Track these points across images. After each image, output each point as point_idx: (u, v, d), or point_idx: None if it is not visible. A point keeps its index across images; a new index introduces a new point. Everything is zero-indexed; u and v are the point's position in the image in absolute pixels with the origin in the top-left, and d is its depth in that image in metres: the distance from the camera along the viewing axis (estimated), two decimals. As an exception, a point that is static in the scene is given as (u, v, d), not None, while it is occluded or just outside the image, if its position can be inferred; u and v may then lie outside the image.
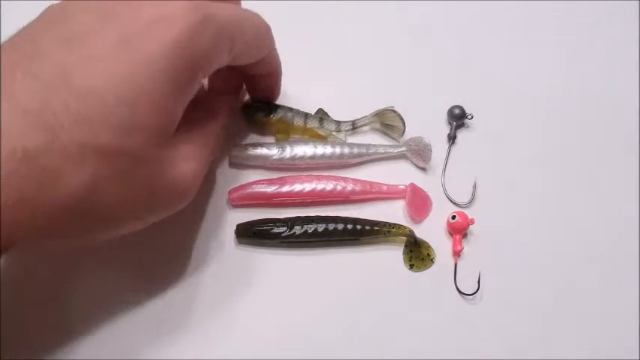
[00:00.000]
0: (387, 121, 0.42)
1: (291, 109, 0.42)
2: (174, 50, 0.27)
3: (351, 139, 0.42)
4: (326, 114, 0.42)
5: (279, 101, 0.42)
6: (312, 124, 0.42)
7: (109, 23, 0.26)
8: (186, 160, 0.30)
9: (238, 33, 0.30)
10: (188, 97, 0.29)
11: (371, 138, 0.43)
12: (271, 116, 0.41)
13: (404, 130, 0.42)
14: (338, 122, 0.42)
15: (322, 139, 0.42)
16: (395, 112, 0.42)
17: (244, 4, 0.35)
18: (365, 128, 0.43)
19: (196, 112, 0.32)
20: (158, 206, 0.30)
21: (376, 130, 0.43)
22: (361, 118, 0.42)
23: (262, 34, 0.34)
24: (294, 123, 0.41)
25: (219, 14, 0.29)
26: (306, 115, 0.42)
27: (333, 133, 0.42)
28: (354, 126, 0.42)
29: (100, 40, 0.26)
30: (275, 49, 0.37)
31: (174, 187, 0.30)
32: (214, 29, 0.28)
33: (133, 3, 0.27)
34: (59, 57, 0.25)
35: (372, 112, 0.42)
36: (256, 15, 0.34)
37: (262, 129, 0.42)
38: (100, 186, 0.26)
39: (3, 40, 0.27)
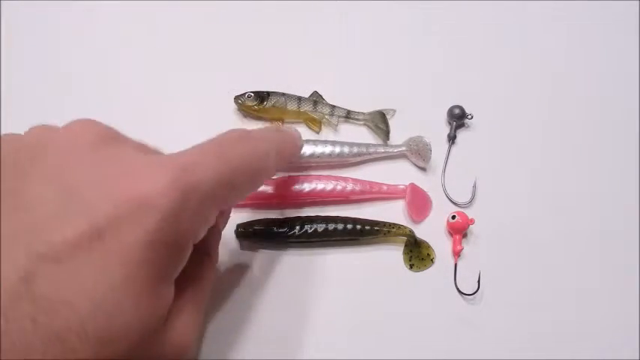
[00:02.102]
0: (377, 123, 0.42)
1: (283, 94, 0.42)
2: (153, 240, 0.23)
3: (343, 132, 0.43)
4: (320, 97, 0.43)
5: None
6: (306, 107, 0.42)
7: (74, 211, 0.22)
8: (183, 327, 0.26)
9: (229, 189, 0.27)
10: (176, 273, 0.25)
11: (360, 132, 0.43)
12: (264, 103, 0.42)
13: (387, 135, 0.42)
14: (332, 106, 0.43)
15: (316, 123, 0.42)
16: (384, 115, 0.42)
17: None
18: (359, 122, 0.43)
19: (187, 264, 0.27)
20: None
21: (368, 127, 0.43)
22: (358, 112, 0.43)
23: (260, 173, 0.30)
24: (288, 107, 0.42)
25: (205, 179, 0.25)
26: (300, 99, 0.43)
27: (327, 117, 0.42)
28: (348, 115, 0.43)
29: (66, 234, 0.21)
30: (286, 160, 0.33)
31: (172, 355, 0.26)
32: (197, 202, 0.24)
33: (100, 179, 0.23)
34: (20, 260, 0.21)
35: (370, 109, 0.43)
36: (259, 145, 0.29)
37: (257, 116, 0.43)
38: None
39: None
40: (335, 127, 0.43)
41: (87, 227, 0.22)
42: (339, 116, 0.43)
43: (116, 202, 0.22)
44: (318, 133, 0.43)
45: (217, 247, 0.32)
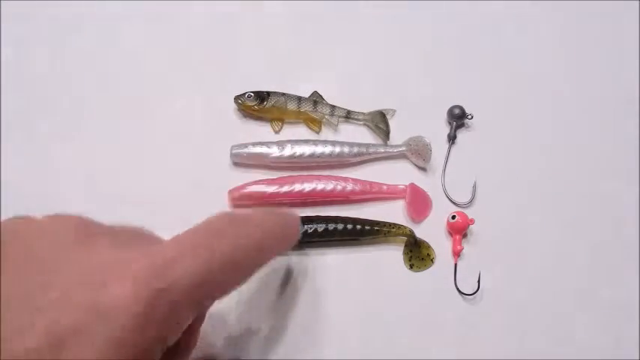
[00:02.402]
0: (377, 123, 0.42)
1: (283, 94, 0.42)
2: (114, 351, 0.21)
3: (343, 132, 0.43)
4: (320, 97, 0.43)
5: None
6: (306, 107, 0.42)
7: (36, 318, 0.21)
8: None
9: (209, 289, 0.24)
10: None
11: (360, 132, 0.43)
12: (264, 103, 0.42)
13: (387, 135, 0.42)
14: (332, 107, 0.43)
15: (316, 123, 0.42)
16: (384, 115, 0.42)
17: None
18: (359, 122, 0.43)
19: None
20: None
21: (368, 127, 0.43)
22: (358, 112, 0.43)
23: (250, 267, 0.27)
24: (288, 107, 0.42)
25: (178, 282, 0.23)
26: (300, 99, 0.43)
27: (327, 117, 0.42)
28: (348, 115, 0.43)
29: (27, 344, 0.21)
30: (280, 243, 0.29)
31: None
32: (167, 308, 0.22)
33: (66, 284, 0.22)
34: None
35: (370, 109, 0.43)
36: (251, 233, 0.27)
37: (257, 116, 0.43)
38: None
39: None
40: (335, 127, 0.43)
41: (46, 338, 0.21)
42: (339, 116, 0.43)
43: (77, 311, 0.21)
44: (318, 133, 0.43)
45: (191, 346, 0.29)
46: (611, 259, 0.40)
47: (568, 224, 0.41)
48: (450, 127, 0.43)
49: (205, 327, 0.33)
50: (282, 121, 0.43)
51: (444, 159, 0.42)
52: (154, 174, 0.40)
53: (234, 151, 0.40)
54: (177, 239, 0.25)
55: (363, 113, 0.43)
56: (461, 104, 0.43)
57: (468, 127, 0.44)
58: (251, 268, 0.27)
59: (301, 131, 0.43)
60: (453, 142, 0.43)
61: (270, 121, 0.43)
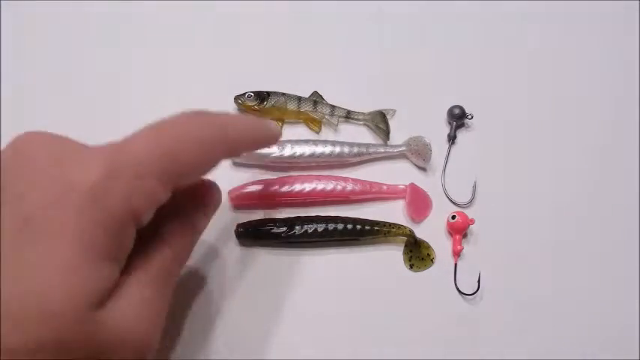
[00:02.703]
0: (377, 123, 0.42)
1: (283, 94, 0.43)
2: (81, 220, 0.23)
3: (343, 132, 0.43)
4: (320, 97, 0.43)
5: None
6: (306, 107, 0.42)
7: (13, 204, 0.23)
8: (129, 311, 0.25)
9: (171, 162, 0.25)
10: (119, 252, 0.25)
11: (360, 132, 0.43)
12: (264, 103, 0.42)
13: (387, 135, 0.42)
14: (332, 107, 0.43)
15: (316, 123, 0.42)
16: (385, 115, 0.42)
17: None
18: (359, 122, 0.43)
19: (144, 245, 0.27)
20: None
21: (368, 127, 0.43)
22: (358, 112, 0.43)
23: (205, 142, 0.27)
24: (288, 107, 0.42)
25: (137, 153, 0.24)
26: (300, 99, 0.43)
27: (327, 117, 0.42)
28: (348, 115, 0.43)
29: (3, 226, 0.23)
30: (241, 136, 0.30)
31: (117, 340, 0.24)
32: (131, 178, 0.24)
33: (36, 172, 0.24)
34: None
35: (370, 109, 0.43)
36: (191, 122, 0.27)
37: (257, 116, 0.42)
38: None
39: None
40: (335, 127, 0.43)
41: (15, 218, 0.23)
42: (339, 116, 0.43)
43: (45, 189, 0.23)
44: (318, 133, 0.43)
45: (184, 239, 0.29)
46: (611, 258, 0.40)
47: (568, 224, 0.41)
48: (450, 127, 0.43)
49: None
50: (282, 121, 0.43)
51: (444, 159, 0.42)
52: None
53: (234, 151, 0.40)
54: (139, 130, 0.26)
55: (363, 113, 0.43)
56: (461, 104, 0.43)
57: (468, 127, 0.44)
58: (213, 147, 0.27)
59: (301, 131, 0.43)
60: (453, 142, 0.43)
61: (271, 112, 0.43)
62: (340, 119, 0.43)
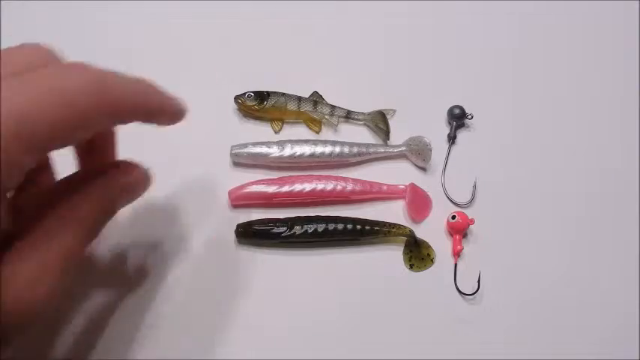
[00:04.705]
0: (377, 123, 0.42)
1: (283, 94, 0.42)
2: None
3: (343, 132, 0.43)
4: (321, 97, 0.43)
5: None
6: (306, 107, 0.42)
7: None
8: (16, 281, 0.23)
9: (33, 121, 0.22)
10: None
11: (360, 132, 0.43)
12: (264, 103, 0.42)
13: (387, 135, 0.42)
14: (332, 107, 0.43)
15: (316, 123, 0.42)
16: (384, 115, 0.42)
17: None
18: (359, 122, 0.43)
19: (43, 212, 0.25)
20: None
21: (368, 127, 0.43)
22: (358, 112, 0.43)
23: (80, 100, 0.23)
24: (288, 107, 0.42)
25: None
26: (300, 99, 0.43)
27: (327, 117, 0.42)
28: (348, 115, 0.43)
29: None
30: (127, 98, 0.26)
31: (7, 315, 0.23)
32: None
33: None
34: None
35: (370, 109, 0.43)
36: (64, 77, 0.23)
37: (256, 116, 0.43)
38: None
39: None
40: (335, 127, 0.43)
41: None
42: (339, 116, 0.43)
43: None
44: (318, 133, 0.43)
45: (89, 220, 0.26)
46: (611, 258, 0.40)
47: (568, 224, 0.41)
48: (450, 127, 0.43)
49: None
50: (282, 121, 0.43)
51: (444, 159, 0.42)
52: (153, 174, 0.40)
53: (234, 151, 0.40)
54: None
55: (363, 113, 0.43)
56: (461, 104, 0.43)
57: (468, 127, 0.44)
58: (91, 110, 0.23)
59: (301, 131, 0.43)
60: (453, 142, 0.43)
61: (270, 121, 0.43)
62: (340, 119, 0.43)
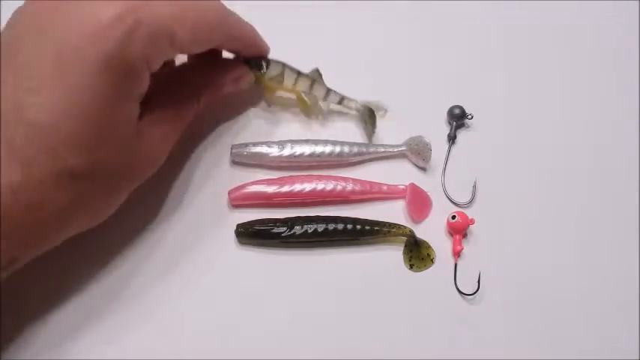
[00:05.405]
0: (366, 119, 0.42)
1: (284, 65, 0.41)
2: (107, 65, 0.27)
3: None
4: (319, 76, 0.42)
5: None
6: (302, 86, 0.41)
7: (44, 45, 0.28)
8: (153, 141, 0.33)
9: (179, 27, 0.30)
10: (136, 94, 0.30)
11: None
12: (262, 72, 0.40)
13: (372, 130, 0.42)
14: (328, 90, 0.42)
15: (304, 105, 0.42)
16: (374, 113, 0.42)
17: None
18: (351, 111, 0.43)
19: (169, 85, 0.35)
20: (135, 178, 0.33)
21: (358, 119, 0.43)
22: (352, 99, 0.42)
23: (211, 22, 0.33)
24: (285, 83, 0.41)
25: (153, 14, 0.29)
26: (299, 74, 0.41)
27: (320, 102, 0.42)
28: (341, 102, 0.42)
29: (40, 67, 0.27)
30: (238, 30, 0.36)
31: (147, 162, 0.34)
32: (146, 33, 0.28)
33: (63, 17, 0.28)
34: (9, 92, 0.27)
35: (364, 100, 0.42)
36: (205, 3, 0.33)
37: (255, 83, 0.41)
38: (82, 198, 0.29)
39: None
40: (322, 115, 0.42)
41: (52, 58, 0.27)
42: (333, 102, 0.42)
43: (73, 36, 0.27)
44: (305, 112, 0.42)
45: (208, 94, 0.38)
46: (611, 258, 0.40)
47: (568, 224, 0.41)
48: (450, 127, 0.43)
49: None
50: (274, 91, 0.42)
51: (444, 159, 0.42)
52: (153, 174, 0.40)
53: (234, 151, 0.40)
54: None
55: (356, 101, 0.42)
56: (461, 104, 0.43)
57: (468, 127, 0.44)
58: (220, 24, 0.34)
59: (296, 127, 0.43)
60: (453, 142, 0.43)
61: (264, 92, 0.42)
62: (332, 104, 0.42)
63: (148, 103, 0.32)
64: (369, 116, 0.42)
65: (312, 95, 0.42)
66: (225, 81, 0.38)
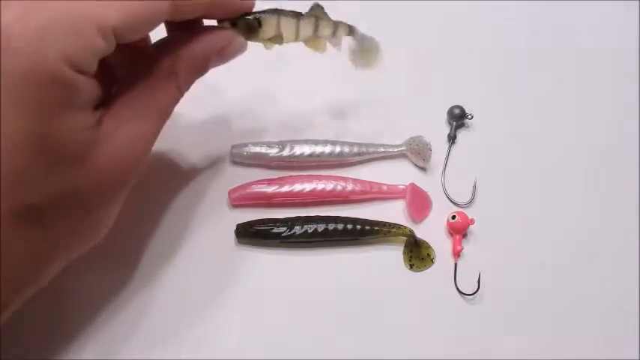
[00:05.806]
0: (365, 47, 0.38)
1: (279, 16, 0.34)
2: (24, 83, 0.23)
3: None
4: (323, 11, 0.36)
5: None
6: (305, 32, 0.35)
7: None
8: (121, 143, 0.27)
9: (105, 12, 0.25)
10: (80, 101, 0.25)
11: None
12: (256, 35, 0.33)
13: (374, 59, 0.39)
14: (336, 24, 0.36)
15: (319, 44, 0.36)
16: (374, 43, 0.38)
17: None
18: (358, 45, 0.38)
19: (135, 72, 0.28)
20: (110, 192, 0.28)
21: (353, 52, 0.39)
22: (364, 34, 0.38)
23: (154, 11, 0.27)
24: (285, 38, 0.35)
25: (63, 6, 0.24)
26: (298, 20, 0.34)
27: (329, 43, 0.36)
28: (350, 32, 0.37)
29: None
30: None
31: (119, 172, 0.28)
32: (60, 31, 0.24)
33: None
34: None
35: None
36: None
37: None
38: (57, 230, 0.27)
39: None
40: (339, 47, 0.37)
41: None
42: (343, 34, 0.37)
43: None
44: (322, 53, 0.37)
45: (187, 74, 0.30)
46: (611, 258, 0.40)
47: (568, 224, 0.41)
48: (450, 127, 0.43)
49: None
50: (273, 44, 0.35)
51: (444, 159, 0.42)
52: (153, 173, 0.40)
53: (234, 151, 0.40)
54: None
55: (364, 36, 0.38)
56: (461, 104, 0.43)
57: (468, 127, 0.44)
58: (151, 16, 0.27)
59: (296, 127, 0.42)
60: (453, 142, 0.43)
61: (264, 43, 0.35)
62: (343, 35, 0.37)
63: (112, 102, 0.27)
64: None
65: (320, 37, 0.36)
66: (209, 54, 0.31)
